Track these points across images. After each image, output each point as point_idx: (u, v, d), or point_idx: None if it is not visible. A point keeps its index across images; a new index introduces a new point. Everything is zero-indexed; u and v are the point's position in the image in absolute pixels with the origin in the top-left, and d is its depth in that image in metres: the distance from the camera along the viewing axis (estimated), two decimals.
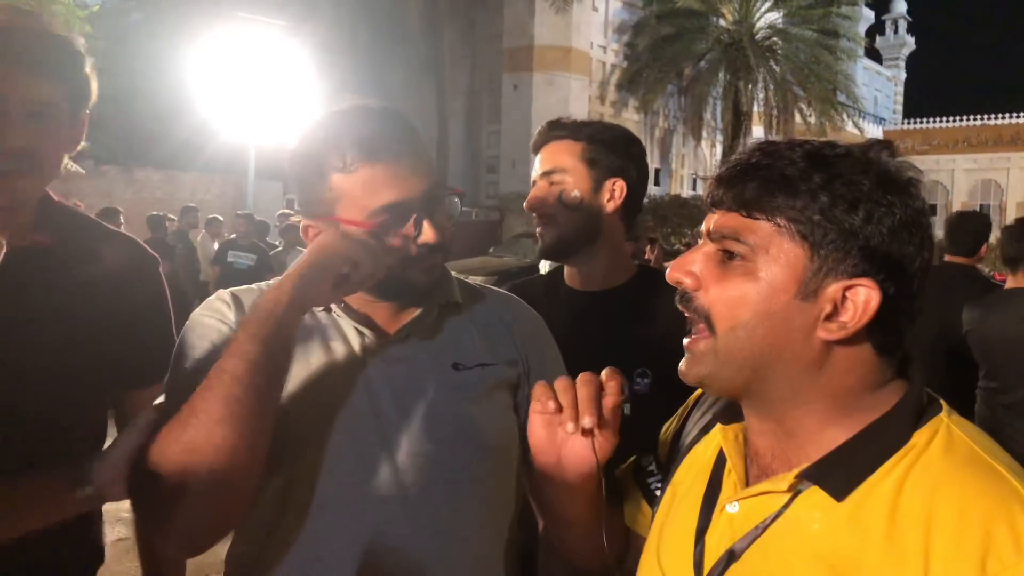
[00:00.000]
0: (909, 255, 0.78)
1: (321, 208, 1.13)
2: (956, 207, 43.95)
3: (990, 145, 42.57)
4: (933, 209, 44.77)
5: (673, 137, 28.80)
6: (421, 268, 1.15)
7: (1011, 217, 13.04)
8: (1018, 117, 43.36)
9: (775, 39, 26.39)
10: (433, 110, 25.96)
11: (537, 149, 1.72)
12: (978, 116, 44.63)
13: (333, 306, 1.17)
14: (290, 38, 14.28)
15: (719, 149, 27.16)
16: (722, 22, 26.78)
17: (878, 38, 62.86)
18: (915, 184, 0.80)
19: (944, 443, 0.78)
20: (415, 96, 26.23)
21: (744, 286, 0.80)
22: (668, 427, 1.11)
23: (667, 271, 0.85)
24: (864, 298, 0.77)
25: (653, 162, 32.39)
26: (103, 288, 1.35)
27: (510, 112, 28.69)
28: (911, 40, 65.88)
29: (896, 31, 65.93)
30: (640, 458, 1.12)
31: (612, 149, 1.66)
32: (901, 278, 0.78)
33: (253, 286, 1.23)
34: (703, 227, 0.85)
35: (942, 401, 0.83)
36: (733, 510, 0.86)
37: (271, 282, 1.13)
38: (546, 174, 1.66)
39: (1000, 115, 43.93)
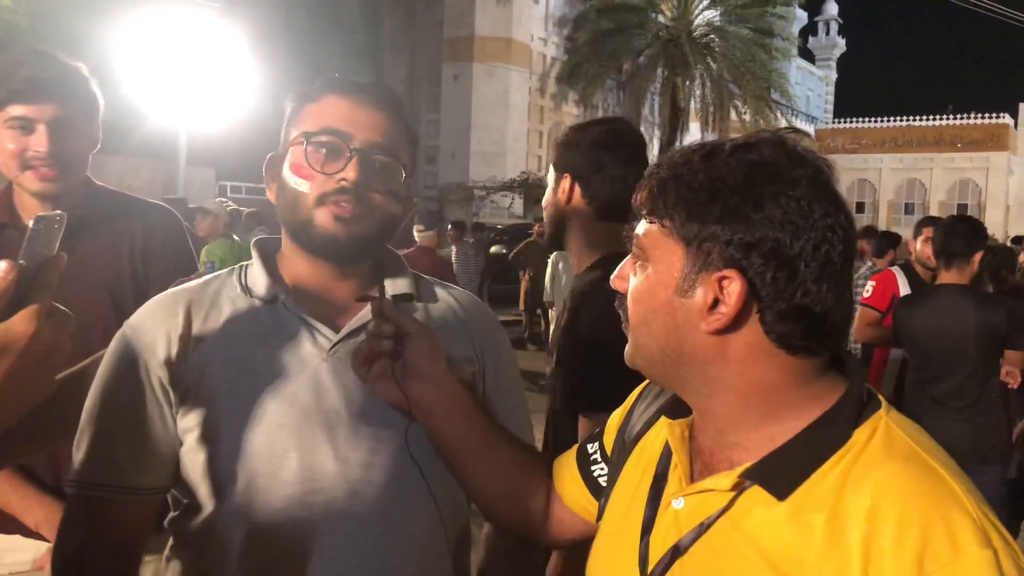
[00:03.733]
0: (779, 242, 0.77)
1: (284, 135, 1.19)
2: (883, 205, 45.57)
3: (915, 145, 44.17)
4: (861, 207, 46.34)
5: None
6: (328, 211, 1.11)
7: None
8: (940, 119, 45.05)
9: (712, 36, 26.82)
10: None
11: None
12: (904, 117, 46.22)
13: (283, 298, 1.15)
14: (223, 20, 13.90)
15: (656, 144, 27.47)
16: (661, 18, 27.10)
17: (811, 39, 64.53)
18: (795, 172, 0.80)
19: (884, 441, 0.79)
20: None
21: (639, 285, 0.86)
22: (613, 417, 1.12)
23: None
24: (729, 288, 0.79)
25: None
26: (135, 243, 1.75)
27: (450, 102, 28.56)
28: (842, 42, 67.75)
29: (828, 32, 67.72)
30: (585, 443, 1.13)
31: (569, 147, 1.70)
32: (779, 265, 0.78)
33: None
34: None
35: (881, 397, 0.84)
36: (678, 505, 0.87)
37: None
38: None
39: (924, 117, 45.59)
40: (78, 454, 1.11)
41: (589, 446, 1.12)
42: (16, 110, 1.59)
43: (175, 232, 1.85)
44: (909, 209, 44.18)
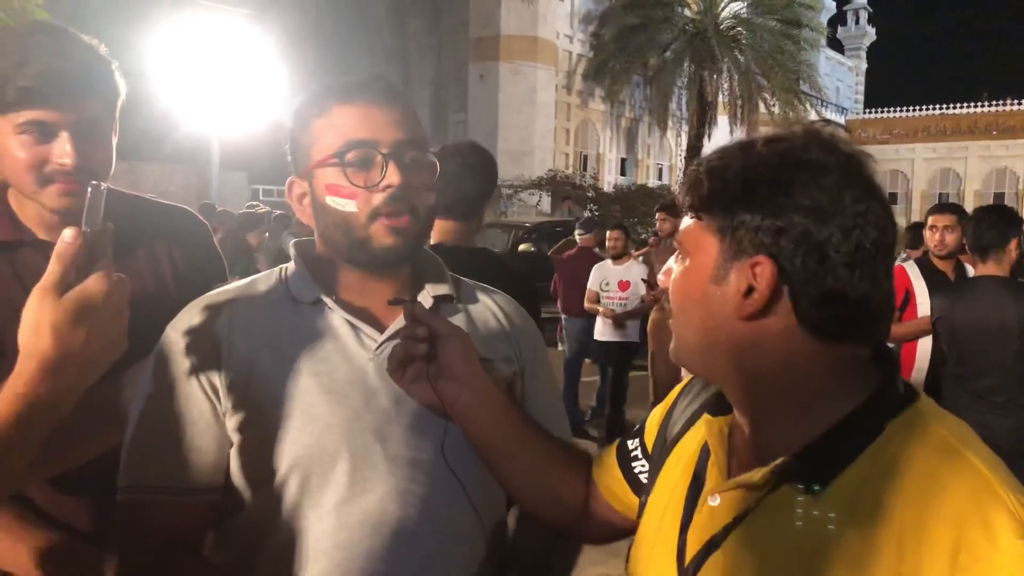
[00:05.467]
0: (807, 228, 0.79)
1: (302, 157, 1.16)
2: (916, 196, 44.76)
3: (948, 134, 43.32)
4: (894, 198, 45.50)
5: (639, 127, 28.90)
6: (384, 225, 1.11)
7: (969, 206, 13.27)
8: (975, 107, 44.13)
9: (739, 29, 26.54)
10: None
11: None
12: (937, 106, 45.32)
13: (327, 299, 1.16)
14: (254, 26, 14.07)
15: (684, 139, 27.29)
16: (687, 12, 26.88)
17: (839, 28, 63.55)
18: (829, 162, 0.81)
19: (919, 434, 0.79)
20: None
21: (678, 277, 0.90)
22: (654, 414, 1.13)
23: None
24: (761, 273, 0.81)
25: (619, 152, 32.52)
26: (168, 259, 1.53)
27: (477, 102, 28.56)
28: (872, 30, 66.68)
29: (857, 21, 66.68)
30: (625, 440, 1.15)
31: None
32: (808, 250, 0.79)
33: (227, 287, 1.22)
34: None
35: (920, 391, 0.85)
36: (714, 503, 0.87)
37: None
38: None
39: (958, 104, 44.68)
40: (128, 459, 1.12)
41: (630, 442, 1.13)
42: (31, 114, 1.26)
43: (207, 247, 1.65)
44: (943, 199, 43.35)
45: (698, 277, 0.86)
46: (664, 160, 35.46)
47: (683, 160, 27.18)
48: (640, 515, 1.03)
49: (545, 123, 29.49)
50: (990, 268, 3.45)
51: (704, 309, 0.86)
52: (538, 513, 1.20)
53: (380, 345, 1.15)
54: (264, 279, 1.21)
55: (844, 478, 0.79)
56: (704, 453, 0.95)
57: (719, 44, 25.60)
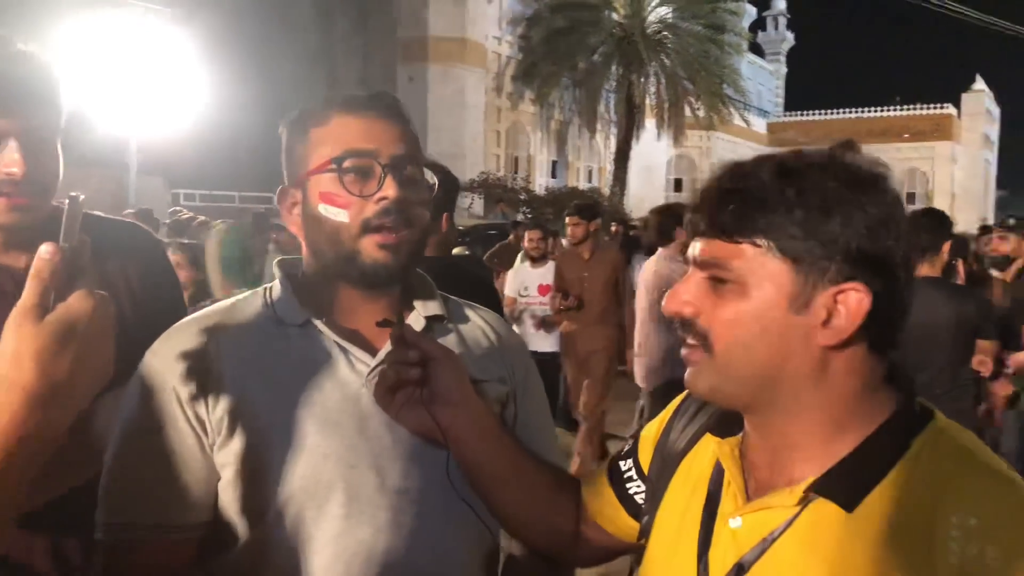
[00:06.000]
0: (890, 250, 0.79)
1: (297, 166, 1.12)
2: None
3: (862, 137, 44.78)
4: None
5: (569, 129, 29.02)
6: (374, 240, 1.08)
7: None
8: (887, 111, 46.03)
9: (665, 33, 27.01)
10: None
11: None
12: (852, 109, 47.15)
13: (315, 322, 1.11)
14: (174, 25, 13.61)
15: (613, 142, 27.59)
16: (615, 16, 27.21)
17: (760, 33, 65.39)
18: (884, 179, 0.82)
19: (944, 449, 0.81)
20: (305, 87, 25.55)
21: (739, 307, 0.81)
22: (648, 434, 1.10)
23: (663, 305, 0.86)
24: (855, 301, 0.79)
25: (550, 154, 32.74)
26: (115, 276, 1.42)
27: (406, 104, 28.38)
28: (791, 36, 68.83)
29: (776, 27, 68.75)
30: (617, 460, 1.13)
31: None
32: (886, 273, 0.79)
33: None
34: (689, 253, 0.85)
35: (933, 407, 0.86)
36: (736, 524, 0.86)
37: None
38: None
39: (872, 108, 46.54)
40: (109, 495, 1.06)
41: (622, 463, 1.11)
42: None
43: (163, 264, 1.56)
44: None
45: (770, 308, 0.80)
46: (594, 162, 35.85)
47: (612, 162, 27.41)
48: (643, 537, 1.02)
49: (475, 126, 29.50)
50: (924, 269, 3.53)
51: (777, 341, 0.81)
52: (529, 539, 1.18)
53: (373, 370, 1.10)
54: (247, 301, 1.16)
55: (875, 495, 0.79)
56: (717, 475, 0.93)
57: (646, 48, 26.01)
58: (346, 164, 1.07)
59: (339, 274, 1.12)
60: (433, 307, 1.20)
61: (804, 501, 0.81)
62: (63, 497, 1.23)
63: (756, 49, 58.94)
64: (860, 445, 0.82)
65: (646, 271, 4.94)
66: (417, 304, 1.19)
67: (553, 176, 33.90)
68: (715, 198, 0.83)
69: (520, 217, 19.23)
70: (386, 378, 1.06)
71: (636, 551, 1.06)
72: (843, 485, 0.80)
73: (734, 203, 0.81)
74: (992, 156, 52.85)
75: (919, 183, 44.38)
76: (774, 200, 0.79)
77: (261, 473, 1.05)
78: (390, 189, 1.06)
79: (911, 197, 42.79)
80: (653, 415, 1.12)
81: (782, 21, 68.74)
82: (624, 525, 1.08)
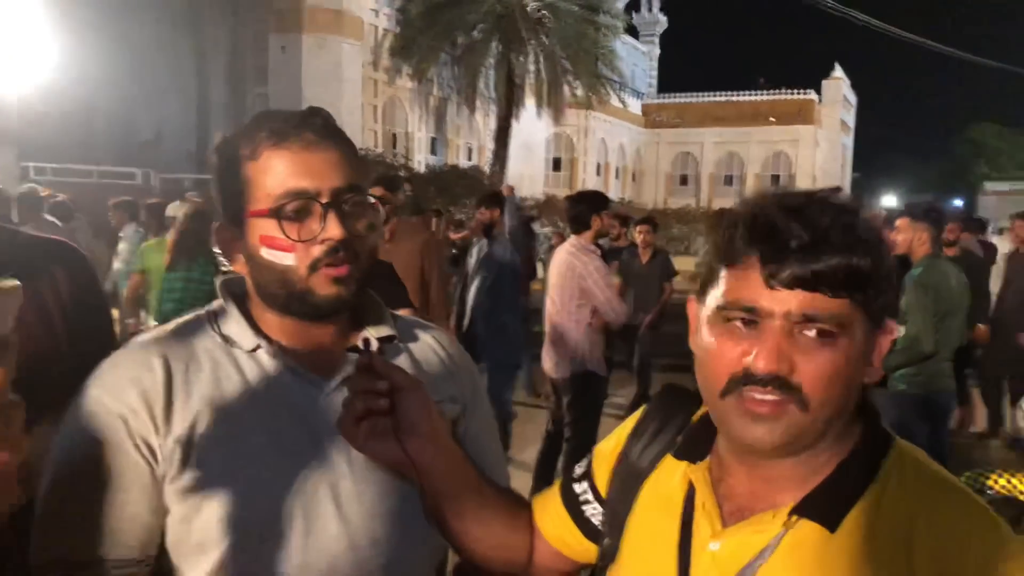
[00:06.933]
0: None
1: (232, 203, 1.08)
2: (705, 178, 48.08)
3: (733, 120, 46.87)
4: (684, 179, 48.73)
5: (448, 106, 28.63)
6: (325, 276, 1.05)
7: (751, 189, 14.39)
8: (756, 95, 47.99)
9: (544, 12, 27.03)
10: (191, 70, 24.03)
11: None
12: (723, 92, 48.86)
13: (266, 347, 1.09)
14: None
15: (494, 120, 27.47)
16: None
17: (634, 15, 66.73)
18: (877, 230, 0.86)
19: (910, 469, 0.88)
20: (169, 54, 24.12)
21: (836, 363, 0.83)
22: (602, 457, 1.11)
23: (760, 363, 0.83)
24: (889, 339, 0.87)
25: (429, 131, 32.30)
26: (47, 298, 1.38)
27: (278, 76, 27.34)
28: (663, 18, 70.65)
29: (650, 9, 70.36)
30: (570, 483, 1.13)
31: None
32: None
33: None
34: (765, 304, 0.83)
35: (889, 430, 0.92)
36: (715, 548, 0.89)
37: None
38: None
39: (742, 92, 48.39)
40: (45, 532, 1.01)
41: (576, 486, 1.12)
42: None
43: (93, 285, 1.51)
44: (729, 181, 47.04)
45: (857, 361, 0.85)
46: (473, 140, 35.65)
47: (492, 140, 27.30)
48: (605, 560, 1.03)
49: (352, 100, 28.73)
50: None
51: (854, 392, 0.86)
52: (486, 564, 1.18)
53: (328, 395, 1.09)
54: (191, 325, 1.13)
55: (854, 515, 0.84)
56: (690, 499, 0.95)
57: (525, 27, 25.94)
58: (286, 209, 1.03)
59: (289, 308, 1.09)
60: (385, 329, 1.18)
61: (788, 524, 0.85)
62: None
63: (631, 30, 60.13)
64: (836, 469, 0.87)
65: (558, 260, 4.78)
66: (369, 328, 1.17)
67: (433, 153, 33.50)
68: (811, 250, 0.81)
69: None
70: (353, 409, 1.01)
71: (591, 570, 1.09)
72: (825, 507, 0.85)
73: (840, 258, 0.81)
74: (849, 140, 56.17)
75: (783, 166, 46.60)
76: (873, 258, 0.83)
77: (218, 507, 1.02)
78: (334, 229, 1.03)
79: (776, 179, 44.87)
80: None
81: (655, 3, 70.41)
82: (580, 548, 1.11)
